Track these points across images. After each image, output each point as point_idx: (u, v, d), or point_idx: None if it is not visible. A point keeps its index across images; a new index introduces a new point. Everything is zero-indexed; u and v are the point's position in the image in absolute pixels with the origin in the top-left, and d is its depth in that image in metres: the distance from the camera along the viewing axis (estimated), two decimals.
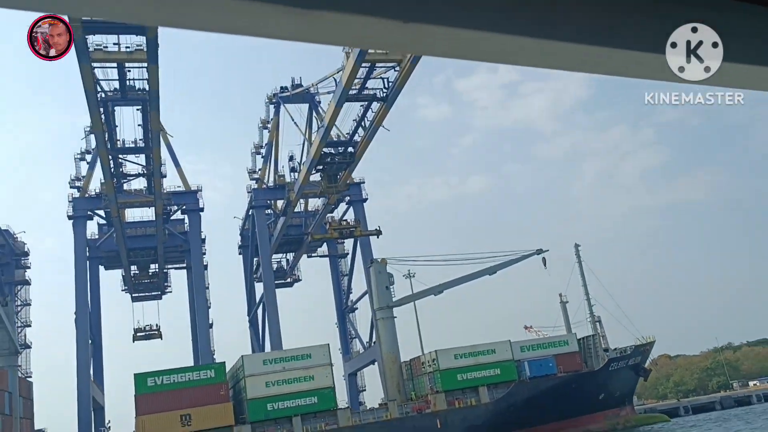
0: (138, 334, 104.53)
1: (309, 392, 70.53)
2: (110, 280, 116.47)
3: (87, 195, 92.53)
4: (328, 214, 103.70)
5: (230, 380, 72.47)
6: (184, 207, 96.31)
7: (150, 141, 75.85)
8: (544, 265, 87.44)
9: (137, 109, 73.04)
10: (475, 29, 2.54)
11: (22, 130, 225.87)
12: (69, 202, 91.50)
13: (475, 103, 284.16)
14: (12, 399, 68.90)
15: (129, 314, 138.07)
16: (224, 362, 72.66)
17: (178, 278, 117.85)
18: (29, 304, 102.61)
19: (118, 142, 78.44)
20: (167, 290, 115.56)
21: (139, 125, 74.17)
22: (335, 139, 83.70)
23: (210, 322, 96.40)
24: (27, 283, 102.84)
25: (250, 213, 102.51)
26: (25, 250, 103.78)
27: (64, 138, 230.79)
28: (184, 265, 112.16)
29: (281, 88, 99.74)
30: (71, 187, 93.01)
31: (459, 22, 2.52)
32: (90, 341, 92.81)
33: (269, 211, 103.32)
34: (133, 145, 79.05)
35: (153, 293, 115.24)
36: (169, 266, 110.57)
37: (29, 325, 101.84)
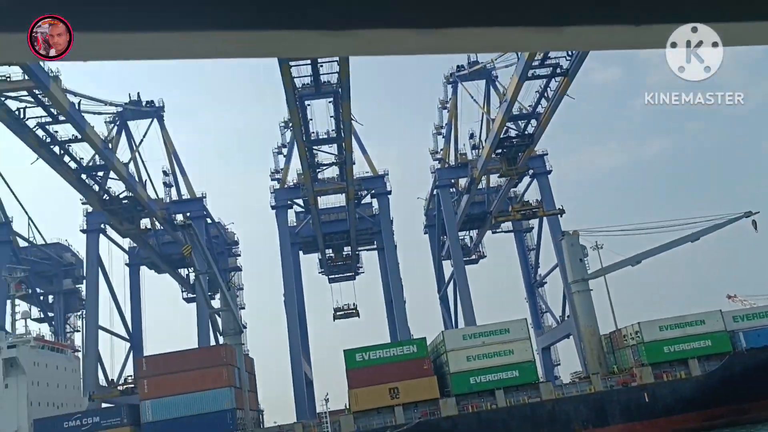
0: (338, 313, 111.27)
1: (509, 366, 71.25)
2: (307, 264, 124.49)
3: (286, 186, 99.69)
4: (512, 189, 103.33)
5: (430, 354, 75.08)
6: (373, 191, 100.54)
7: (342, 131, 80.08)
8: (755, 228, 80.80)
9: (329, 102, 77.44)
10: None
11: (204, 130, 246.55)
12: (271, 193, 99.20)
13: (648, 61, 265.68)
14: (240, 374, 76.72)
15: (325, 295, 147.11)
16: (425, 338, 75.44)
17: (368, 259, 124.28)
18: (242, 289, 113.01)
19: (313, 135, 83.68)
20: (360, 271, 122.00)
21: (331, 117, 78.58)
22: (516, 113, 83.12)
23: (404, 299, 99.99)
24: (239, 269, 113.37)
25: (434, 193, 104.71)
26: (235, 239, 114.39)
27: (241, 135, 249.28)
28: (374, 246, 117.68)
29: (458, 66, 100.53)
30: (272, 180, 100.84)
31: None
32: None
33: (452, 189, 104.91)
34: (326, 136, 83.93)
35: (347, 274, 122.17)
36: (361, 248, 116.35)
37: (243, 308, 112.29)
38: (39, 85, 63.38)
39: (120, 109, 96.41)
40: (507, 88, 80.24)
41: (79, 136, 72.47)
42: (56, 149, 74.40)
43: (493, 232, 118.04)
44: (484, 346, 72.01)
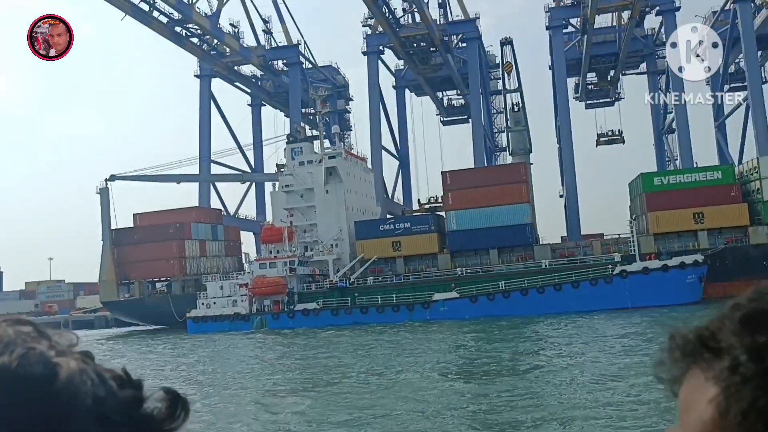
0: (601, 139, 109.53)
1: None
2: None
3: (562, 4, 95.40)
4: None
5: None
6: (658, 8, 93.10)
7: None
8: None
9: None
10: None
11: None
12: (545, 12, 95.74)
13: None
14: (531, 191, 79.59)
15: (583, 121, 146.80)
16: (732, 164, 72.33)
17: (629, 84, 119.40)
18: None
19: None
20: (619, 97, 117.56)
21: None
22: None
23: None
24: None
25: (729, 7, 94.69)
26: (496, 62, 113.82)
27: None
28: (640, 70, 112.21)
29: None
30: None
31: None
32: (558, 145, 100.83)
33: None
34: None
35: (604, 100, 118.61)
36: (627, 72, 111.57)
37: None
38: None
39: None
40: None
41: None
42: None
43: None
44: None
